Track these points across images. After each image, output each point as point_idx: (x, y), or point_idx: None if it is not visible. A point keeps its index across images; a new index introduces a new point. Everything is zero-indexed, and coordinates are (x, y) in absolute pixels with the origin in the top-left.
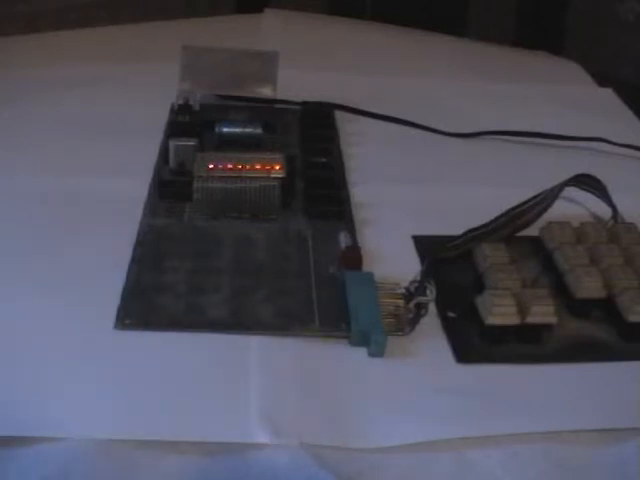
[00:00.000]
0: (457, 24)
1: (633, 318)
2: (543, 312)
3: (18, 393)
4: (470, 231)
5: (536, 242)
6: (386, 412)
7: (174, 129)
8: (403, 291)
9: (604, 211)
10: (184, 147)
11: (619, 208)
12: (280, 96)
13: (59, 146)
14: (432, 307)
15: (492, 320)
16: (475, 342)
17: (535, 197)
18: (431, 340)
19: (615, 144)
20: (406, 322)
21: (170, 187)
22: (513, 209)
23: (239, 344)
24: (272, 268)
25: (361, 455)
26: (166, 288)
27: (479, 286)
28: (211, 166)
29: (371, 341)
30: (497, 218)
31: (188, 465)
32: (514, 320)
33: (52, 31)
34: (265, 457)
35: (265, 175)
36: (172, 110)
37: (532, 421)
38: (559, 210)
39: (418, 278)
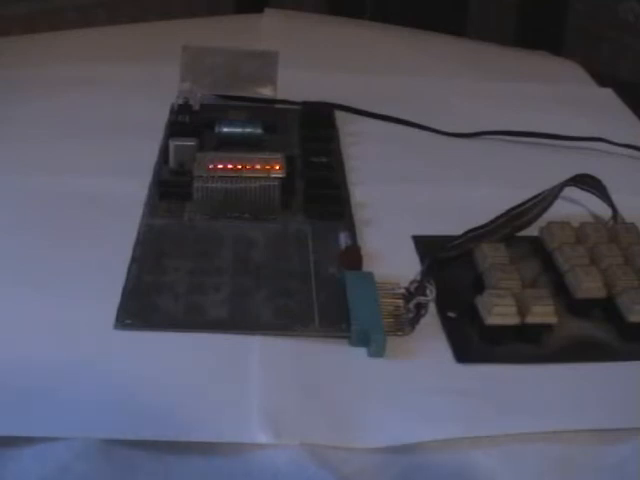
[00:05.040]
0: (457, 24)
1: (633, 318)
2: (543, 312)
3: (18, 393)
4: (470, 231)
5: (536, 242)
6: (386, 412)
7: (174, 129)
8: (403, 291)
9: (604, 211)
10: (184, 147)
11: (619, 208)
12: (280, 96)
13: (59, 146)
14: (432, 307)
15: (492, 320)
16: (475, 342)
17: (535, 197)
18: (431, 340)
19: (615, 144)
20: (406, 322)
21: (170, 187)
22: (513, 209)
23: (239, 344)
24: (272, 268)
25: (361, 455)
26: (166, 288)
27: (479, 286)
28: (211, 166)
29: (371, 341)
30: (497, 218)
31: (188, 465)
32: (514, 320)
33: (51, 31)
34: (265, 457)
35: (265, 175)
36: (172, 110)
37: (532, 421)
38: (559, 210)
39: (418, 278)
